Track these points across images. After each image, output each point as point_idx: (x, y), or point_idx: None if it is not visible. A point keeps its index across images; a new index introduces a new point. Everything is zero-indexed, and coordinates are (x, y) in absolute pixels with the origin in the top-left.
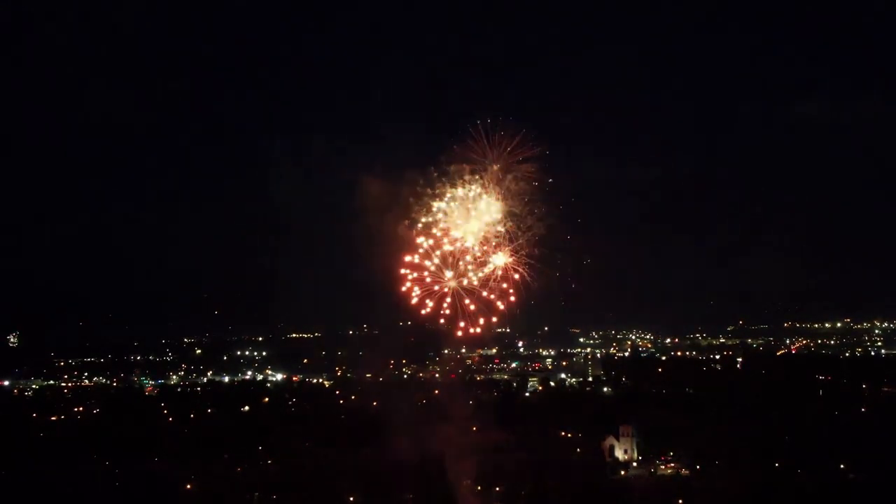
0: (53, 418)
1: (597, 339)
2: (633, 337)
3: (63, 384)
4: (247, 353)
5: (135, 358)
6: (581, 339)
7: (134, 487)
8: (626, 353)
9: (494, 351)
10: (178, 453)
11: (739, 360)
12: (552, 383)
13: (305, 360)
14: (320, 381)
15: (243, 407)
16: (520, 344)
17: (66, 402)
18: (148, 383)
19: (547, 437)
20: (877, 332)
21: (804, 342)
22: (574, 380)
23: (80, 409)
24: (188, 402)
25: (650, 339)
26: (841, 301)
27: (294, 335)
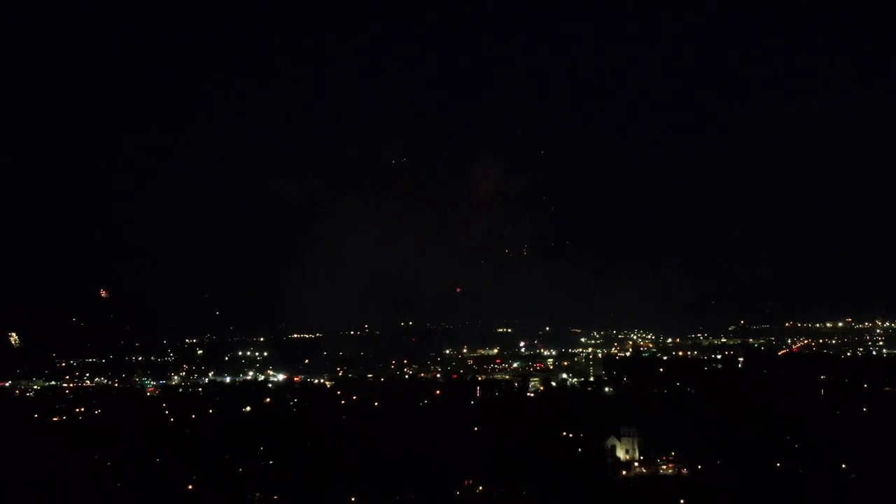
0: (55, 419)
1: (598, 339)
2: (635, 337)
3: (64, 385)
4: (248, 353)
5: (136, 358)
6: (582, 340)
7: (134, 487)
8: (628, 353)
9: (496, 351)
10: (178, 453)
11: (741, 359)
12: (553, 383)
13: (307, 361)
14: (322, 381)
15: (245, 407)
16: (521, 344)
17: (67, 402)
18: (149, 384)
19: (548, 437)
20: (878, 331)
21: (806, 342)
22: (575, 380)
23: (82, 409)
24: (189, 402)
25: (651, 338)
26: (842, 301)
27: (295, 336)
